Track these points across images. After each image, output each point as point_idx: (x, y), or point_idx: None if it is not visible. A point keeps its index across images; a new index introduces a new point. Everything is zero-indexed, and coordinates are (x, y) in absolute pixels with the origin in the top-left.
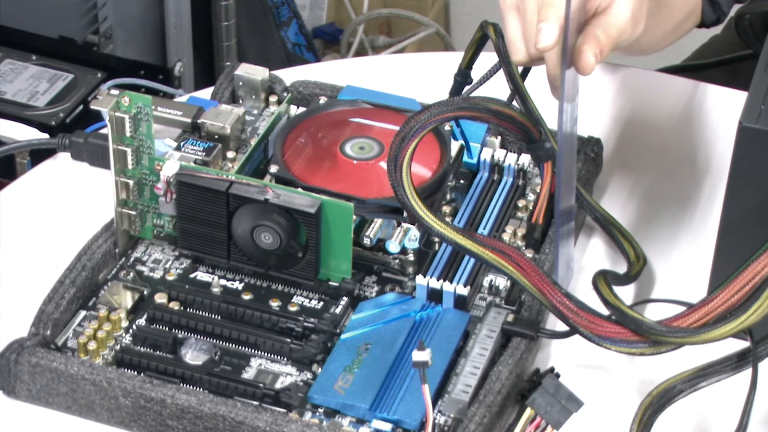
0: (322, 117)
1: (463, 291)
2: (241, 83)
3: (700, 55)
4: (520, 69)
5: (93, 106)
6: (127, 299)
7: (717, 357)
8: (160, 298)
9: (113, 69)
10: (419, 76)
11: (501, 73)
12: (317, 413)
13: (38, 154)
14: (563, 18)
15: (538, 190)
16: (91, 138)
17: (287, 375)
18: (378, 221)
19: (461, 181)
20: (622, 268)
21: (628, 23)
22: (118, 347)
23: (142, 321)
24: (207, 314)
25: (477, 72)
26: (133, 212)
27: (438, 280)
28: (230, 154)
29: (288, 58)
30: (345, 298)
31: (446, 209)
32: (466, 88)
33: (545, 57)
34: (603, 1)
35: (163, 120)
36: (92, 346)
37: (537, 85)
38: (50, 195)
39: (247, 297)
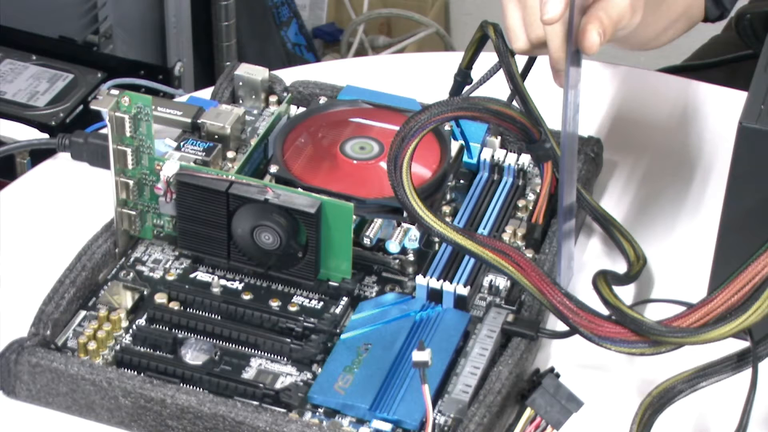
0: (322, 117)
1: (463, 291)
2: (241, 83)
3: (700, 55)
4: (520, 69)
5: (93, 106)
6: (127, 299)
7: (717, 357)
8: (160, 298)
9: (113, 69)
10: (419, 76)
11: (501, 73)
12: (317, 413)
13: (38, 154)
14: None
15: (538, 190)
16: (91, 138)
17: (287, 375)
18: (378, 221)
19: (461, 181)
20: (622, 268)
21: (628, 8)
22: (118, 347)
23: (142, 321)
24: (207, 314)
25: (477, 72)
26: (133, 212)
27: (438, 280)
28: (230, 154)
29: (288, 58)
30: (345, 298)
31: (446, 209)
32: (466, 88)
33: (548, 39)
34: None
35: (163, 120)
36: (92, 346)
37: (537, 85)
38: (50, 195)
39: (247, 297)
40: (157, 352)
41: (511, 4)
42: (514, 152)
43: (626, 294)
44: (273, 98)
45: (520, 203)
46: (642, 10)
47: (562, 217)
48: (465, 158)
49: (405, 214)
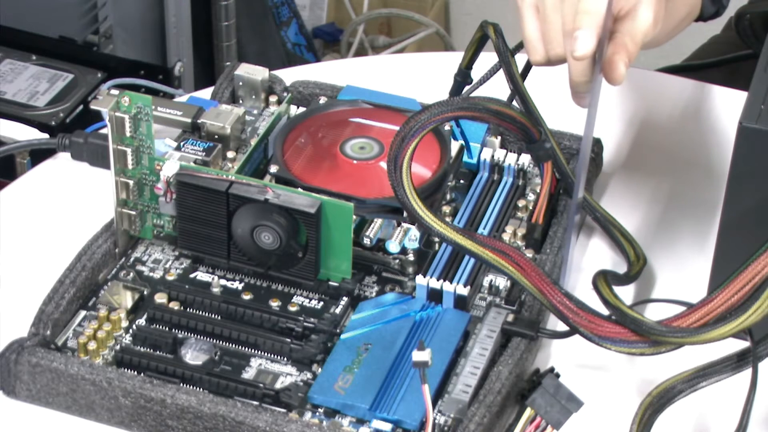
0: (322, 117)
1: (463, 291)
2: (241, 83)
3: (700, 55)
4: (520, 69)
5: (93, 106)
6: (127, 299)
7: (717, 357)
8: (160, 298)
9: (113, 69)
10: (419, 76)
11: (501, 73)
12: (317, 413)
13: (38, 154)
14: (599, 27)
15: (538, 190)
16: (91, 138)
17: (287, 375)
18: (378, 221)
19: (461, 181)
20: (622, 268)
21: (651, 26)
22: (118, 347)
23: (142, 321)
24: (207, 314)
25: (477, 72)
26: (133, 212)
27: (438, 280)
28: (230, 154)
29: (288, 58)
30: (345, 298)
31: (446, 209)
32: (466, 88)
33: (570, 66)
34: (626, 3)
35: (163, 120)
36: (92, 346)
37: (537, 85)
38: (50, 195)
39: (247, 297)
40: (157, 352)
41: (529, 14)
42: (514, 152)
43: (626, 294)
44: (273, 98)
45: (520, 203)
46: (662, 20)
47: (573, 213)
48: (465, 158)
49: (405, 214)
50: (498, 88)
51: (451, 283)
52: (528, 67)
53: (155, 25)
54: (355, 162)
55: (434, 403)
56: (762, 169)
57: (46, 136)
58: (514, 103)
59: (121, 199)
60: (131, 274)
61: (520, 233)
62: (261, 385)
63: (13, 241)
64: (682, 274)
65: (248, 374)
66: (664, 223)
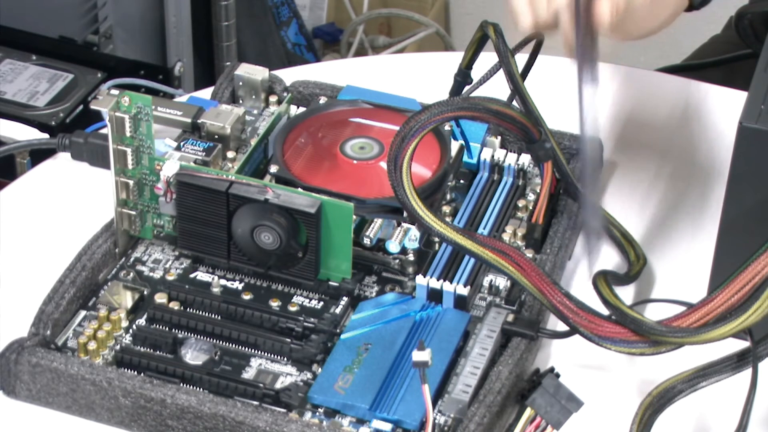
0: (322, 117)
1: (463, 291)
2: (241, 83)
3: (700, 55)
4: (521, 69)
5: (93, 106)
6: (127, 299)
7: (717, 357)
8: (160, 298)
9: (113, 69)
10: (419, 76)
11: (501, 73)
12: (317, 413)
13: (38, 154)
14: None
15: (538, 190)
16: (91, 138)
17: (287, 375)
18: (378, 221)
19: (461, 181)
20: (622, 268)
21: None
22: (118, 347)
23: (142, 321)
24: (207, 314)
25: (477, 72)
26: (133, 212)
27: (438, 280)
28: (230, 154)
29: (288, 58)
30: (345, 298)
31: (446, 209)
32: (466, 88)
33: (561, 19)
34: None
35: (163, 120)
36: (92, 346)
37: (537, 85)
38: (50, 195)
39: (247, 297)
40: (157, 352)
41: None
42: (514, 152)
43: (626, 294)
44: (273, 98)
45: (520, 203)
46: None
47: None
48: (465, 158)
49: (405, 214)
50: (498, 88)
51: (451, 283)
52: (528, 67)
53: (155, 25)
54: (355, 162)
55: (434, 403)
56: (762, 169)
57: (46, 136)
58: (514, 103)
59: (121, 199)
60: (131, 274)
61: (520, 233)
62: (261, 385)
63: (13, 241)
64: (682, 274)
65: (248, 374)
66: (664, 223)
